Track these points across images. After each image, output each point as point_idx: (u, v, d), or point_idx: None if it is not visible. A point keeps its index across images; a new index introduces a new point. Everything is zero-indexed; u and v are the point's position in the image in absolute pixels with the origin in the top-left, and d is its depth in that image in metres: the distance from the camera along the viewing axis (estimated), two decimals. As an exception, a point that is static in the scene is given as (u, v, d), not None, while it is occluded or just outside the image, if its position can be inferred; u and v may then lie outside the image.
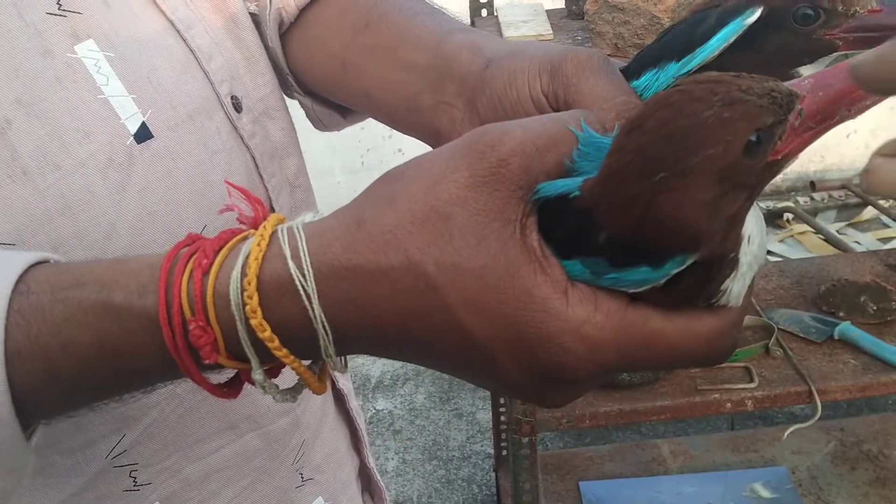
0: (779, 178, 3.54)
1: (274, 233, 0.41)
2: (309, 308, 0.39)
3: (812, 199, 3.35)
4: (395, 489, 2.30)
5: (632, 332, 0.39)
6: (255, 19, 0.68)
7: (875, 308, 1.73)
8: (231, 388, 0.45)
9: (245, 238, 0.42)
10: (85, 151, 0.51)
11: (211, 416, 0.61)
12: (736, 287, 0.40)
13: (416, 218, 0.39)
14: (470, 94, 0.54)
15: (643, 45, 1.40)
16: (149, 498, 0.59)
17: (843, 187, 3.29)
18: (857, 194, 3.13)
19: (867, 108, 0.37)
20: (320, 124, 0.75)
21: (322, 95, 0.70)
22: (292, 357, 0.41)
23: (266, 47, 0.68)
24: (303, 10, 0.67)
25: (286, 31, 0.67)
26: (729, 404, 1.59)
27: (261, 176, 0.64)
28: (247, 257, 0.40)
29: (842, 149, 3.39)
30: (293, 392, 0.44)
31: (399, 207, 0.40)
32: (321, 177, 2.84)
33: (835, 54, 0.48)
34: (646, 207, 0.37)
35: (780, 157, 0.38)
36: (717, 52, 0.46)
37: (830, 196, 3.35)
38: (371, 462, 0.80)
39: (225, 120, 0.60)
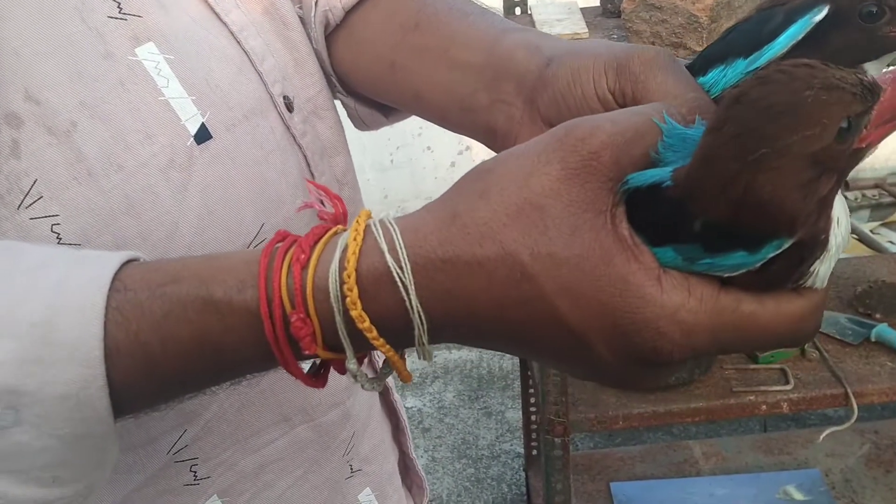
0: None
1: (367, 227, 0.42)
2: (406, 299, 0.41)
3: (845, 198, 3.32)
4: (425, 487, 2.30)
5: (725, 316, 0.40)
6: (302, 21, 0.68)
7: (913, 310, 1.72)
8: (319, 378, 0.46)
9: (336, 233, 0.43)
10: (147, 152, 0.52)
11: (266, 409, 0.62)
12: (823, 269, 0.41)
13: (511, 210, 0.40)
14: (529, 92, 0.55)
15: (681, 44, 1.39)
16: (207, 491, 0.60)
17: (876, 186, 3.26)
18: (891, 193, 3.10)
19: None
20: (361, 124, 0.76)
21: (368, 95, 0.70)
22: (388, 346, 0.42)
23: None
24: (349, 12, 0.67)
25: (331, 32, 0.68)
26: (764, 406, 1.58)
27: (312, 174, 0.65)
28: (344, 251, 0.41)
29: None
30: (379, 380, 0.46)
31: (493, 200, 0.41)
32: (351, 175, 2.84)
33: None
34: (746, 187, 0.38)
35: (863, 146, 0.39)
36: (785, 50, 0.47)
37: (864, 195, 3.31)
38: (413, 453, 0.81)
39: (278, 119, 0.61)
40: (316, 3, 0.67)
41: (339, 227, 0.44)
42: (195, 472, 0.59)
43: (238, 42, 0.60)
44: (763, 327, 0.41)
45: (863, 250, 2.93)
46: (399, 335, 0.42)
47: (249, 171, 0.57)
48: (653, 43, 1.42)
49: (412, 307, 0.41)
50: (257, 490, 0.63)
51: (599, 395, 1.63)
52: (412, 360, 0.44)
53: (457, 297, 0.41)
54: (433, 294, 0.41)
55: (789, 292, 0.41)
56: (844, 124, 0.38)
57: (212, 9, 0.60)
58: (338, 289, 0.41)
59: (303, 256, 0.41)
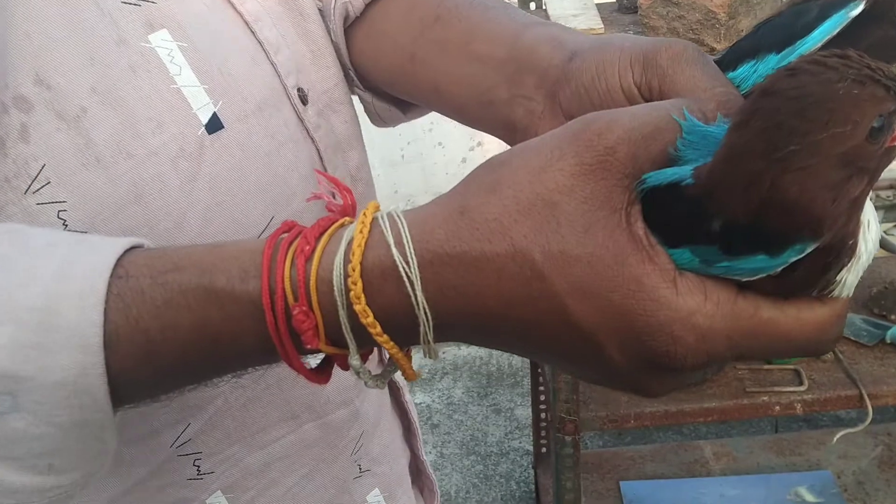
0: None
1: (374, 220, 0.41)
2: (412, 295, 0.39)
3: (860, 199, 3.30)
4: (433, 484, 2.30)
5: (742, 322, 0.39)
6: (321, 13, 0.67)
7: (928, 312, 1.70)
8: (322, 374, 0.45)
9: (342, 225, 0.42)
10: (157, 141, 0.51)
11: (272, 406, 0.61)
12: (850, 277, 0.39)
13: (522, 206, 0.39)
14: (551, 86, 0.54)
15: (698, 40, 1.37)
16: (210, 487, 0.59)
17: (891, 187, 3.23)
18: (906, 195, 3.07)
19: None
20: (378, 120, 0.74)
21: (386, 90, 0.69)
22: (392, 343, 0.41)
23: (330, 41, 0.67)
24: (369, 5, 0.66)
25: (351, 25, 0.67)
26: (778, 407, 1.57)
27: (325, 168, 0.64)
28: (349, 244, 0.40)
29: (891, 149, 3.33)
30: (382, 378, 0.44)
31: (504, 195, 0.39)
32: (362, 169, 2.84)
33: None
34: (771, 186, 0.36)
35: (893, 146, 0.37)
36: (819, 45, 0.45)
37: (878, 196, 3.29)
38: (423, 455, 0.80)
39: (291, 112, 0.60)
40: None
41: (347, 218, 0.43)
42: (199, 467, 0.58)
43: (252, 32, 0.59)
44: (782, 335, 0.39)
45: (878, 252, 2.92)
46: (404, 332, 0.41)
47: (260, 163, 0.56)
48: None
49: (418, 303, 0.39)
50: (262, 487, 0.62)
51: (610, 393, 1.61)
52: (420, 356, 0.43)
53: (464, 294, 0.39)
54: (440, 290, 0.39)
55: (812, 300, 0.40)
56: (877, 123, 0.36)
57: None
58: (342, 282, 0.39)
59: (307, 248, 0.40)
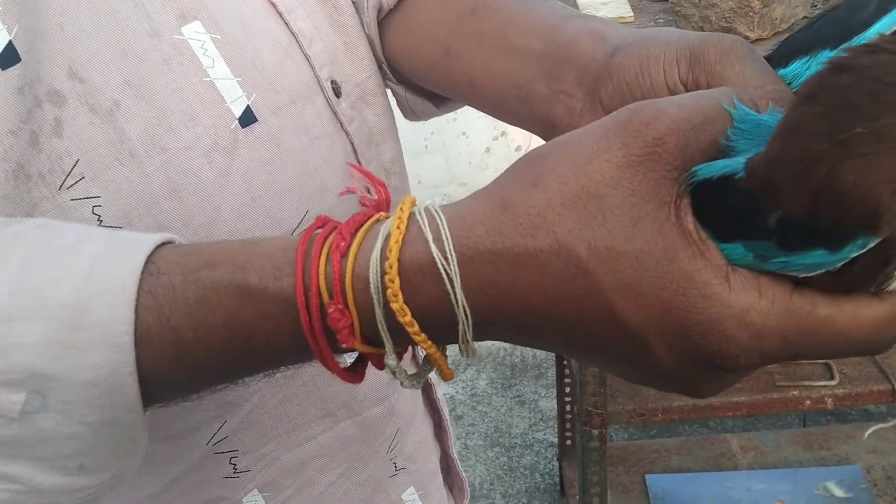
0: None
1: (411, 215, 0.40)
2: (451, 293, 0.38)
3: None
4: (457, 475, 2.30)
5: (798, 320, 0.37)
6: (354, 6, 0.66)
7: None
8: (356, 373, 0.44)
9: (378, 221, 0.41)
10: (191, 134, 0.51)
11: (309, 403, 0.60)
12: None
13: (567, 199, 0.37)
14: (592, 82, 0.52)
15: (731, 28, 1.35)
16: (247, 486, 0.58)
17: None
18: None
19: None
20: (411, 113, 0.73)
21: (419, 84, 0.68)
22: (430, 342, 0.39)
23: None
24: None
25: (384, 18, 0.66)
26: (808, 401, 1.55)
27: (359, 161, 0.63)
28: (386, 240, 0.39)
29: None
30: (419, 377, 0.43)
31: (547, 189, 0.38)
32: (386, 159, 2.84)
33: None
34: (829, 172, 0.34)
35: None
36: None
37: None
38: (454, 453, 0.79)
39: (325, 104, 0.59)
40: None
41: (382, 213, 0.42)
42: (235, 465, 0.57)
43: (286, 24, 0.58)
44: (839, 333, 0.37)
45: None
46: (442, 330, 0.39)
47: (294, 157, 0.56)
48: (701, 27, 1.38)
49: (457, 301, 0.38)
50: (299, 486, 0.61)
51: (638, 387, 1.60)
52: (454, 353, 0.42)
53: (505, 292, 0.38)
54: (480, 287, 0.38)
55: (870, 296, 0.38)
56: None
57: None
58: (378, 279, 0.38)
59: (343, 244, 0.39)
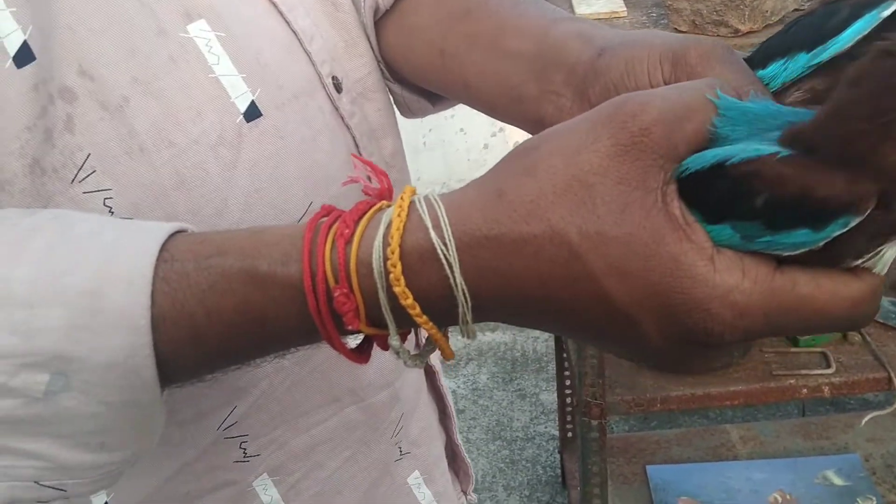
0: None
1: (412, 203, 0.42)
2: (450, 276, 0.40)
3: None
4: (459, 469, 2.31)
5: (780, 298, 0.39)
6: (353, 4, 0.68)
7: (958, 293, 1.69)
8: (362, 354, 0.46)
9: (380, 209, 0.43)
10: (198, 129, 0.52)
11: (316, 389, 0.62)
12: (889, 253, 0.39)
13: (558, 187, 0.39)
14: (580, 83, 0.54)
15: (722, 21, 1.37)
16: (257, 469, 0.60)
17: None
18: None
19: None
20: (408, 111, 0.75)
21: (416, 83, 0.70)
22: (431, 324, 0.41)
23: None
24: None
25: (381, 18, 0.68)
26: (805, 390, 1.56)
27: (360, 155, 0.64)
28: (388, 227, 0.41)
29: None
30: (421, 357, 0.45)
31: (540, 178, 0.40)
32: (385, 157, 2.86)
33: None
34: (869, 150, 0.36)
35: None
36: (850, 45, 0.45)
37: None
38: (458, 439, 0.81)
39: (326, 100, 0.61)
40: None
41: (384, 202, 0.44)
42: (245, 450, 0.59)
43: (287, 22, 0.60)
44: (818, 310, 0.39)
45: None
46: (442, 313, 0.41)
47: (298, 150, 0.57)
48: (693, 21, 1.40)
49: (456, 284, 0.40)
50: (307, 470, 0.63)
51: (636, 377, 1.62)
52: (455, 338, 0.44)
53: (502, 276, 0.40)
54: (478, 272, 0.40)
55: (848, 275, 0.40)
56: None
57: None
58: (381, 265, 0.40)
59: (347, 231, 0.41)
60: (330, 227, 0.42)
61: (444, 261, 0.40)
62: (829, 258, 0.39)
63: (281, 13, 0.60)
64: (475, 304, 0.41)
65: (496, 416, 2.47)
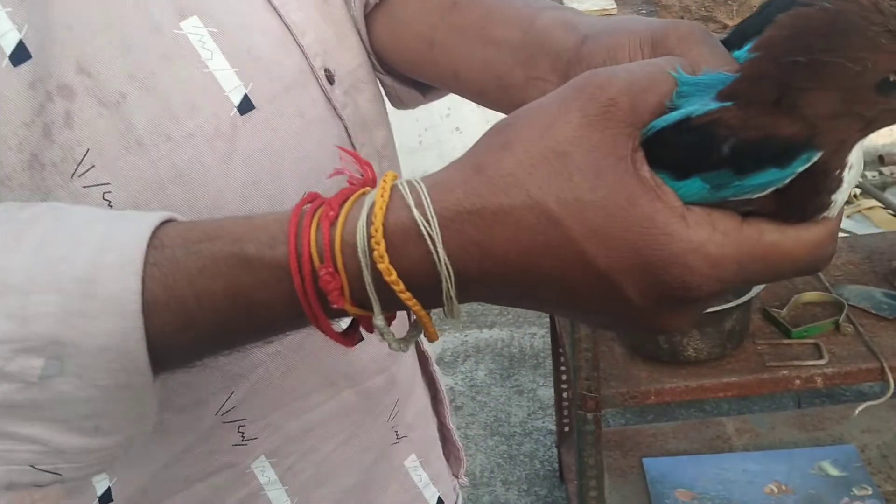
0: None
1: (394, 186, 0.43)
2: (433, 252, 0.41)
3: (881, 173, 3.28)
4: (458, 464, 2.33)
5: (749, 246, 0.41)
6: None
7: (949, 284, 1.70)
8: (349, 337, 0.47)
9: (364, 194, 0.44)
10: (193, 123, 0.54)
11: (311, 374, 0.63)
12: (840, 198, 0.42)
13: (535, 159, 0.41)
14: (564, 69, 0.56)
15: (711, 17, 1.38)
16: (255, 452, 0.62)
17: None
18: (925, 171, 3.06)
19: None
20: (399, 102, 0.77)
21: (406, 74, 0.71)
22: (415, 300, 0.42)
23: None
24: None
25: (371, 10, 0.69)
26: (798, 381, 1.58)
27: (353, 146, 0.66)
28: (371, 207, 0.42)
29: (910, 124, 3.31)
30: (407, 341, 0.46)
31: (516, 151, 0.41)
32: (381, 156, 2.87)
33: None
34: (782, 87, 0.39)
35: None
36: None
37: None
38: (451, 423, 0.82)
39: (319, 92, 0.63)
40: None
41: (367, 188, 0.45)
42: (243, 433, 0.61)
43: (280, 16, 0.61)
44: (785, 254, 0.42)
45: (897, 226, 2.91)
46: (427, 291, 0.42)
47: (291, 142, 0.59)
48: (682, 17, 1.41)
49: (439, 259, 0.41)
50: (304, 452, 0.64)
51: (631, 370, 1.63)
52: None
53: (484, 248, 0.41)
54: (460, 246, 0.41)
55: (808, 223, 0.43)
56: (892, 77, 0.38)
57: None
58: (365, 243, 0.41)
59: (331, 213, 0.42)
60: (315, 210, 0.43)
61: (426, 236, 0.41)
62: (792, 202, 0.42)
63: (274, 7, 0.61)
64: (459, 280, 0.42)
65: (494, 412, 2.49)
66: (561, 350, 2.05)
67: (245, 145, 0.56)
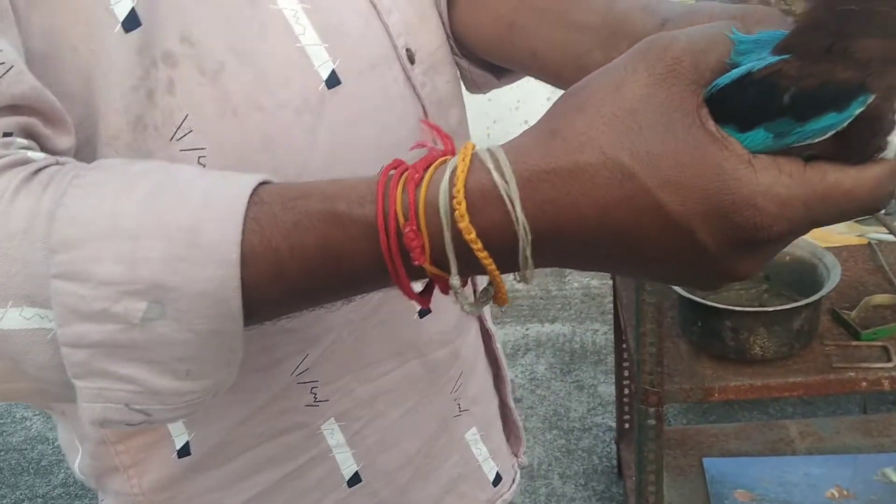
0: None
1: (474, 153, 0.45)
2: (511, 212, 0.43)
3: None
4: (516, 456, 2.34)
5: (814, 186, 0.43)
6: None
7: None
8: (424, 296, 0.49)
9: (445, 161, 0.46)
10: (284, 95, 0.57)
11: (380, 343, 0.66)
12: (895, 140, 0.44)
13: (607, 118, 0.43)
14: None
15: (790, 11, 1.37)
16: (325, 414, 0.64)
17: None
18: None
19: None
20: (473, 86, 0.79)
21: (483, 56, 0.74)
22: (491, 260, 0.44)
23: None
24: None
25: None
26: (864, 383, 1.55)
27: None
28: (453, 171, 0.44)
29: None
30: (478, 305, 0.48)
31: (588, 112, 0.43)
32: (449, 149, 2.88)
33: None
34: (838, 39, 0.41)
35: None
36: None
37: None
38: (511, 402, 0.84)
39: (400, 70, 0.65)
40: None
41: (449, 157, 0.47)
42: (315, 395, 0.63)
43: None
44: (847, 192, 0.43)
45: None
46: (504, 253, 0.44)
47: (374, 117, 0.62)
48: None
49: (517, 219, 0.43)
50: (371, 417, 0.67)
51: (696, 366, 1.63)
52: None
53: (560, 205, 0.43)
54: (537, 205, 0.43)
55: (866, 164, 0.44)
56: None
57: None
58: (448, 203, 0.43)
59: (416, 176, 0.45)
60: (402, 174, 0.45)
61: (505, 197, 0.43)
62: (849, 149, 0.43)
63: None
64: (535, 240, 0.44)
65: (553, 406, 2.49)
66: (624, 345, 2.05)
67: (330, 118, 0.59)
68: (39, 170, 0.45)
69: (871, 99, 0.42)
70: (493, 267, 0.45)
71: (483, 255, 0.44)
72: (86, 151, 0.53)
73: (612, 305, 2.23)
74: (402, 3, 0.67)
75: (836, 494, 1.85)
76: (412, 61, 0.66)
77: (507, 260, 0.44)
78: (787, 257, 1.73)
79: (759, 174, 0.42)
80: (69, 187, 0.44)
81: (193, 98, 0.54)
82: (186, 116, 0.54)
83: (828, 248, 2.10)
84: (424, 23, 0.69)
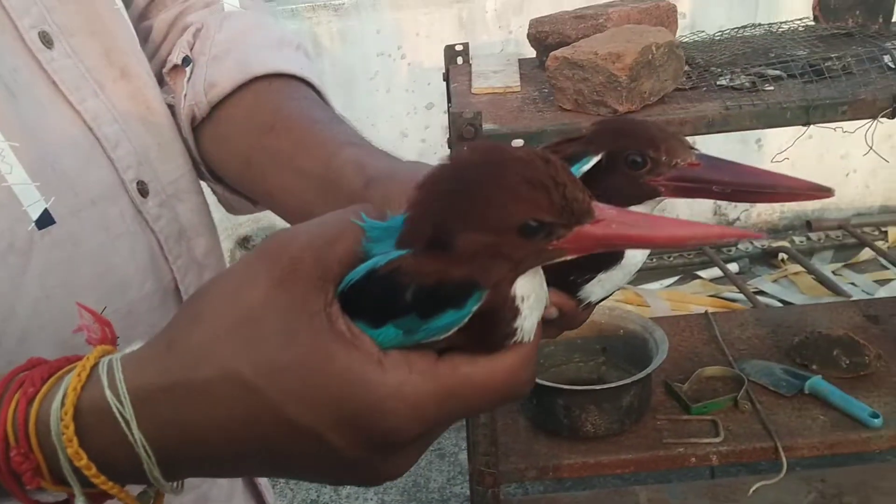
0: (775, 216, 3.53)
1: (96, 364, 0.43)
2: (128, 433, 0.41)
3: (808, 238, 3.33)
4: (375, 530, 2.29)
5: (445, 382, 0.41)
6: (172, 110, 0.70)
7: (848, 362, 1.72)
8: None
9: (71, 369, 0.43)
10: None
11: None
12: (527, 324, 0.43)
13: (227, 328, 0.41)
14: None
15: (602, 101, 1.40)
16: None
17: (840, 227, 3.28)
18: (854, 235, 3.11)
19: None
20: (231, 209, 0.77)
21: (232, 186, 0.72)
22: (111, 483, 0.42)
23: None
24: (214, 108, 0.69)
25: (199, 124, 0.70)
26: (693, 459, 1.58)
27: (165, 257, 0.66)
28: (67, 388, 0.41)
29: (840, 188, 3.38)
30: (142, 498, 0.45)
31: (206, 322, 0.41)
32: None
33: (658, 199, 0.53)
34: (434, 235, 0.41)
35: (554, 250, 0.41)
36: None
37: (827, 236, 3.33)
38: None
39: (129, 204, 0.63)
40: (185, 96, 0.69)
41: (91, 355, 0.44)
42: None
43: (90, 129, 0.61)
44: (479, 385, 0.42)
45: (823, 292, 2.94)
46: (133, 471, 0.42)
47: (93, 256, 0.59)
48: (575, 100, 1.43)
49: (135, 440, 0.41)
50: None
51: (532, 444, 1.63)
52: None
53: (180, 427, 0.41)
54: (158, 427, 0.41)
55: (500, 351, 0.43)
56: (533, 223, 0.40)
57: (66, 98, 0.61)
58: (58, 425, 0.41)
59: (31, 390, 0.42)
60: (22, 384, 0.42)
61: (119, 417, 0.40)
62: (478, 338, 0.43)
63: (84, 121, 0.61)
64: (164, 459, 0.41)
65: (413, 477, 2.46)
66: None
67: (41, 260, 0.56)
68: None
69: (485, 294, 0.41)
70: (116, 489, 0.42)
71: (99, 480, 0.41)
72: None
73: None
74: (139, 132, 0.65)
75: (678, 565, 1.87)
76: (144, 194, 0.64)
77: (140, 475, 0.42)
78: (621, 331, 1.75)
79: (389, 374, 0.40)
80: None
81: None
82: None
83: (668, 317, 2.15)
84: (165, 151, 0.67)
